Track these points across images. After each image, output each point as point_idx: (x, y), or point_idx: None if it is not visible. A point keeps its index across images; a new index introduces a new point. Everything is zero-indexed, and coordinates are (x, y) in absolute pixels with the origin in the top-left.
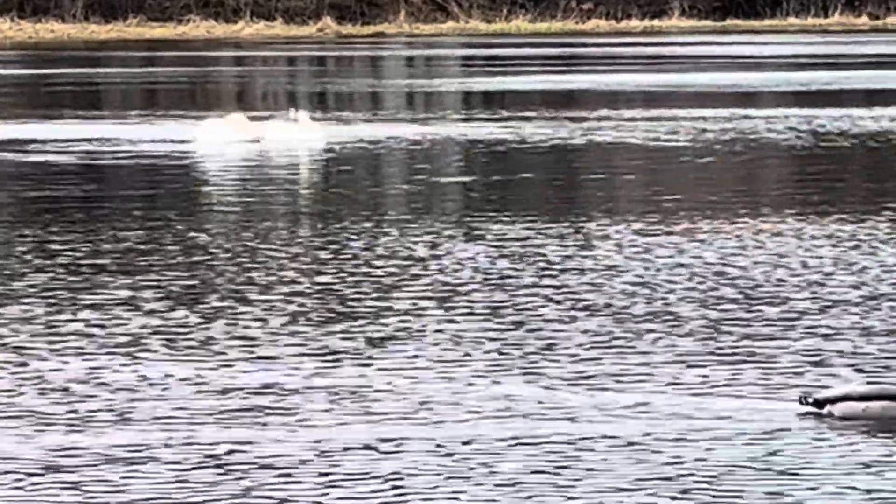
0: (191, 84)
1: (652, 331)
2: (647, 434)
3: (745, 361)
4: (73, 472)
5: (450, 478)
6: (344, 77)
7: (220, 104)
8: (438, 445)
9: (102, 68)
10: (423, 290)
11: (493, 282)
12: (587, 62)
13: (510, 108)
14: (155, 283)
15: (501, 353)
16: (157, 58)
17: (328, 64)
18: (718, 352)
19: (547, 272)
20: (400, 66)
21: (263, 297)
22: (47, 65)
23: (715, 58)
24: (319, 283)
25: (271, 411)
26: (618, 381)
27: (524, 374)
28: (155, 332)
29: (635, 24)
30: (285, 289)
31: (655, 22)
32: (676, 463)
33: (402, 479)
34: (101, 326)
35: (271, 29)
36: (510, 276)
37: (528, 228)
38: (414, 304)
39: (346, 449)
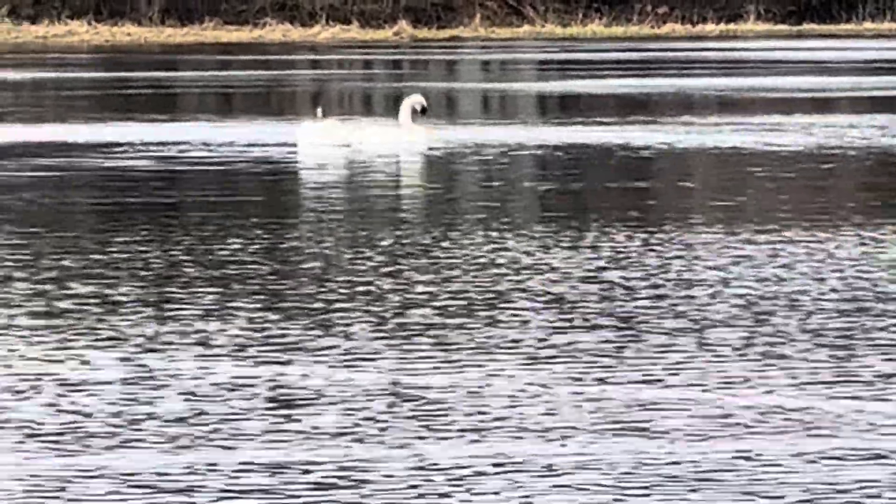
0: (269, 87)
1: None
2: None
3: None
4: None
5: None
6: (423, 80)
7: (304, 107)
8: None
9: (179, 71)
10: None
11: (606, 291)
12: (662, 66)
13: (586, 112)
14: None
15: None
16: (234, 61)
17: (405, 67)
18: None
19: (651, 279)
20: (475, 69)
21: (366, 306)
22: (124, 68)
23: (790, 62)
24: (425, 292)
25: (416, 419)
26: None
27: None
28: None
29: (711, 28)
30: (395, 298)
31: (731, 26)
32: None
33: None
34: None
35: (347, 32)
36: (621, 286)
37: (626, 236)
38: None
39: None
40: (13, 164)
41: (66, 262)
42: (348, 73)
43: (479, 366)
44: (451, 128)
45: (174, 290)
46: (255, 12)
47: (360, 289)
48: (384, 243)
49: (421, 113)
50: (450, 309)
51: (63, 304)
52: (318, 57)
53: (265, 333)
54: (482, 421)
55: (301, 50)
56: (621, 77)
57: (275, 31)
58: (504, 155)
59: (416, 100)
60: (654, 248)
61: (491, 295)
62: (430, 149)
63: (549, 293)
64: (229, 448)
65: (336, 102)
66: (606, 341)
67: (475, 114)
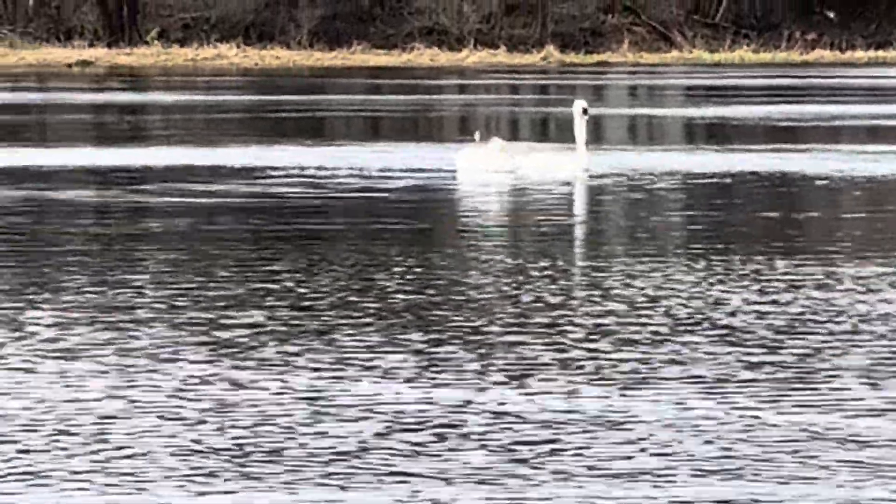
0: (418, 111)
1: None
2: None
3: None
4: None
5: None
6: (570, 105)
7: (457, 131)
8: None
9: (328, 95)
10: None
11: (777, 325)
12: (811, 92)
13: (734, 138)
14: (427, 320)
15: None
16: (382, 85)
17: (552, 91)
18: None
19: (815, 313)
20: (623, 94)
21: (543, 336)
22: (273, 91)
23: None
24: (599, 324)
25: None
26: None
27: None
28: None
29: (860, 54)
30: (569, 327)
31: (880, 53)
32: None
33: None
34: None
35: (494, 57)
36: (799, 319)
37: (788, 267)
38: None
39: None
40: (163, 188)
41: (225, 291)
42: (496, 98)
43: (679, 401)
44: (602, 153)
45: (335, 318)
46: (404, 37)
47: (532, 319)
48: (549, 272)
49: (583, 114)
50: (628, 340)
51: (226, 334)
52: (465, 81)
53: (442, 360)
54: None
55: (449, 74)
56: (769, 103)
57: (423, 56)
58: (659, 181)
59: (581, 105)
60: (826, 281)
61: (665, 327)
62: (589, 174)
63: (723, 325)
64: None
65: (487, 126)
66: (793, 374)
67: (623, 139)
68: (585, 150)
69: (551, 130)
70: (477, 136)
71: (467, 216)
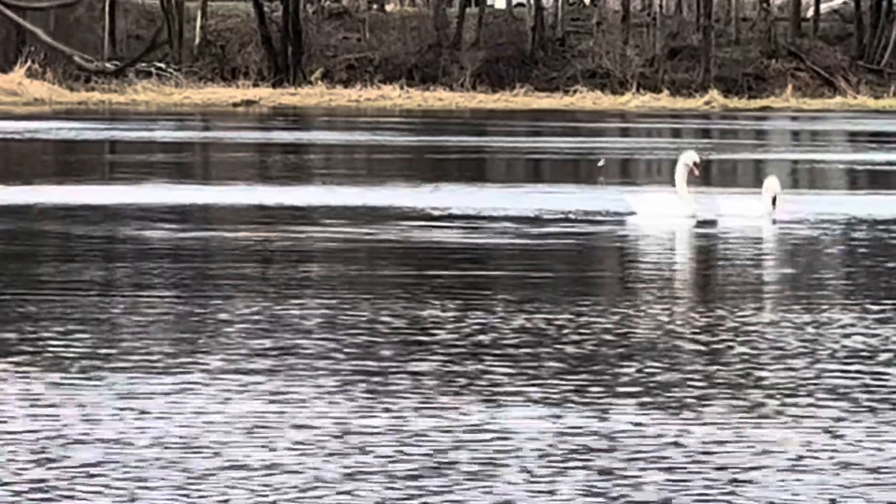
0: (581, 155)
1: None
2: None
3: None
4: None
5: None
6: (731, 150)
7: (633, 176)
8: None
9: (490, 136)
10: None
11: None
12: None
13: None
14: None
15: None
16: (544, 128)
17: (714, 136)
18: None
19: None
20: (785, 139)
21: (736, 389)
22: (436, 132)
23: None
24: (797, 377)
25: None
26: None
27: None
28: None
29: None
30: (766, 381)
31: None
32: None
33: None
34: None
35: (657, 101)
36: None
37: None
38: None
39: None
40: (322, 229)
41: (381, 339)
42: (657, 142)
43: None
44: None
45: (488, 365)
46: (567, 79)
47: (719, 370)
48: (730, 322)
49: (695, 166)
50: (830, 395)
51: (385, 379)
52: (627, 125)
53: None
54: None
55: (611, 118)
56: None
57: (585, 99)
58: (837, 228)
59: (689, 157)
60: None
61: (872, 383)
62: (777, 222)
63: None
64: None
65: (654, 172)
66: None
67: (785, 183)
68: (686, 194)
69: (715, 175)
70: (601, 162)
71: (646, 264)
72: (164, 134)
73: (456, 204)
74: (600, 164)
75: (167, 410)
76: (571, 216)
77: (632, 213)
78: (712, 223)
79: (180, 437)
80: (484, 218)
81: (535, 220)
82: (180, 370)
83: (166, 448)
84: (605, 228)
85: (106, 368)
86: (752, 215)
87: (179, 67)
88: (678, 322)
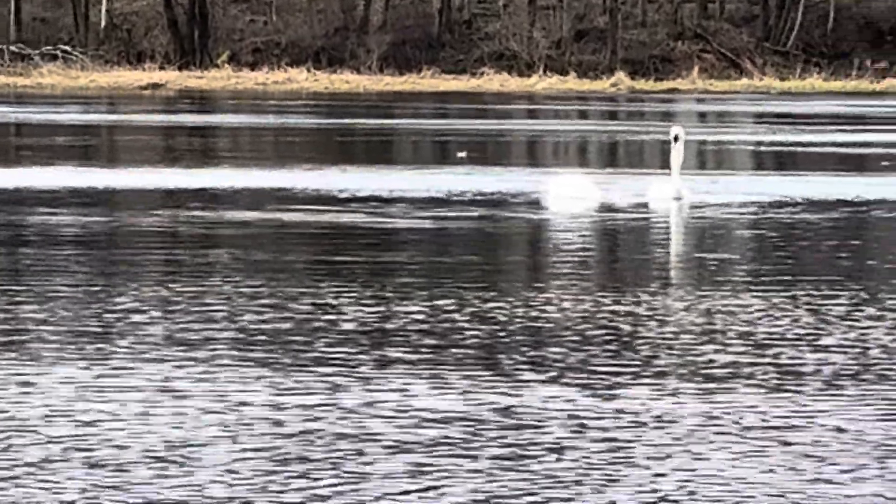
0: (497, 136)
1: None
2: None
3: None
4: None
5: None
6: (639, 132)
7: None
8: None
9: (398, 119)
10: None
11: None
12: (880, 121)
13: (802, 166)
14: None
15: None
16: (452, 110)
17: (621, 118)
18: None
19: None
20: (692, 121)
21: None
22: (343, 115)
23: None
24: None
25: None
26: None
27: None
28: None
29: None
30: (689, 367)
31: None
32: None
33: None
34: None
35: (564, 83)
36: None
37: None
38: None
39: None
40: (229, 212)
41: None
42: (565, 123)
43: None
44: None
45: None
46: (474, 62)
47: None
48: (654, 304)
49: (674, 140)
50: (762, 381)
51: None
52: (534, 107)
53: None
54: None
55: (518, 100)
56: (837, 132)
57: (492, 81)
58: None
59: (674, 131)
60: None
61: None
62: (677, 200)
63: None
64: None
65: (556, 153)
66: None
67: (693, 164)
68: (679, 176)
69: (622, 156)
70: (463, 154)
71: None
72: (70, 117)
73: (363, 186)
74: (461, 155)
75: (71, 398)
76: (480, 198)
77: (543, 196)
78: (623, 207)
79: (84, 422)
80: (391, 200)
81: (444, 203)
82: (79, 357)
83: (75, 438)
84: (514, 212)
85: (6, 356)
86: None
87: (85, 51)
88: (584, 307)
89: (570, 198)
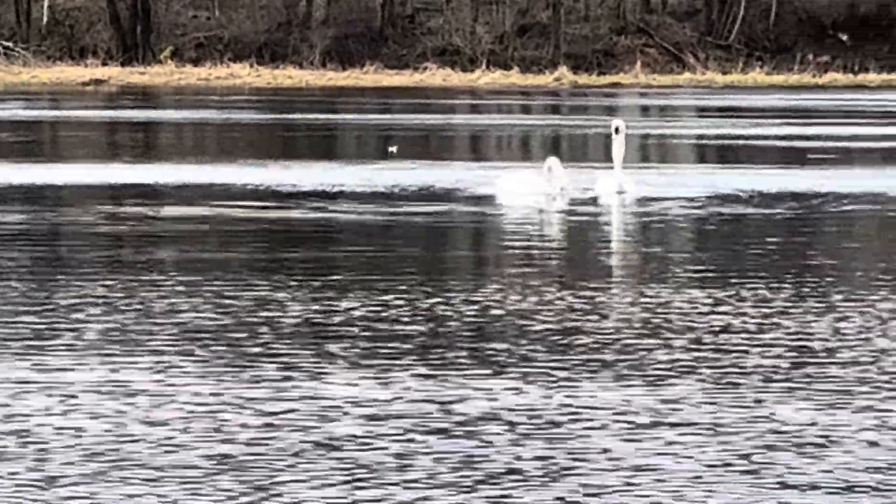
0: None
1: None
2: None
3: None
4: None
5: None
6: (583, 127)
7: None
8: None
9: (341, 114)
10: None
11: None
12: (823, 115)
13: (745, 160)
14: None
15: None
16: (395, 105)
17: (564, 112)
18: None
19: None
20: (635, 115)
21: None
22: (286, 110)
23: None
24: (680, 359)
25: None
26: None
27: None
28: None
29: (872, 77)
30: (636, 365)
31: (893, 76)
32: None
33: None
34: None
35: (507, 78)
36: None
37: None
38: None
39: None
40: (171, 208)
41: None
42: (508, 118)
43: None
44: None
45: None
46: (417, 56)
47: (596, 356)
48: (598, 299)
49: (615, 132)
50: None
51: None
52: (477, 101)
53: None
54: None
55: (461, 94)
56: (780, 125)
57: (435, 76)
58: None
59: (614, 124)
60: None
61: (737, 361)
62: (620, 194)
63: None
64: None
65: (499, 147)
66: None
67: (636, 158)
68: (621, 170)
69: (565, 151)
70: (394, 149)
71: (503, 242)
72: (11, 113)
73: (306, 181)
74: (391, 150)
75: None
76: (424, 193)
77: (492, 190)
78: (575, 201)
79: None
80: (334, 195)
81: (388, 198)
82: (17, 356)
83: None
84: (458, 206)
85: None
86: (599, 188)
87: (27, 46)
88: (530, 303)
89: (518, 193)
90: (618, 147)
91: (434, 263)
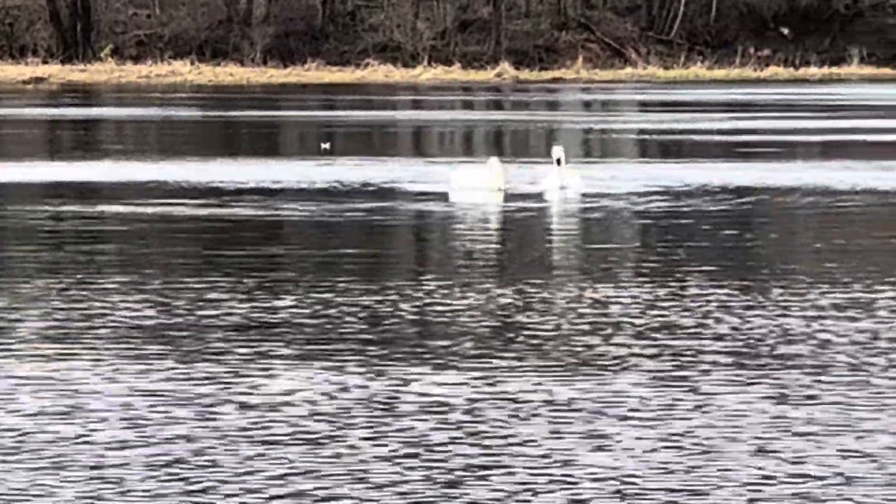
0: (372, 127)
1: None
2: None
3: None
4: None
5: None
6: (526, 122)
7: (425, 149)
8: None
9: (282, 111)
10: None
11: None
12: (764, 108)
13: (687, 154)
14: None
15: None
16: (337, 101)
17: (506, 108)
18: None
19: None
20: (577, 110)
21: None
22: (227, 107)
23: (893, 107)
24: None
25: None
26: None
27: None
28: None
29: (813, 71)
30: (594, 361)
31: (834, 69)
32: None
33: None
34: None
35: (449, 74)
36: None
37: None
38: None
39: None
40: (112, 206)
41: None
42: (450, 114)
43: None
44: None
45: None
46: (358, 53)
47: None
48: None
49: (557, 164)
50: (661, 371)
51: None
52: (419, 97)
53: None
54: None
55: (403, 91)
56: (722, 119)
57: (377, 72)
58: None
59: (559, 152)
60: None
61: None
62: (563, 189)
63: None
64: None
65: (442, 142)
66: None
67: (579, 154)
68: (565, 167)
69: (508, 146)
70: (327, 146)
71: (452, 240)
72: None
73: (248, 178)
74: (324, 146)
75: None
76: (367, 189)
77: (443, 186)
78: (522, 197)
79: None
80: (276, 192)
81: (331, 194)
82: None
83: None
84: (400, 203)
85: None
86: (553, 186)
87: None
88: (469, 298)
89: (469, 189)
90: (556, 175)
91: (376, 260)
